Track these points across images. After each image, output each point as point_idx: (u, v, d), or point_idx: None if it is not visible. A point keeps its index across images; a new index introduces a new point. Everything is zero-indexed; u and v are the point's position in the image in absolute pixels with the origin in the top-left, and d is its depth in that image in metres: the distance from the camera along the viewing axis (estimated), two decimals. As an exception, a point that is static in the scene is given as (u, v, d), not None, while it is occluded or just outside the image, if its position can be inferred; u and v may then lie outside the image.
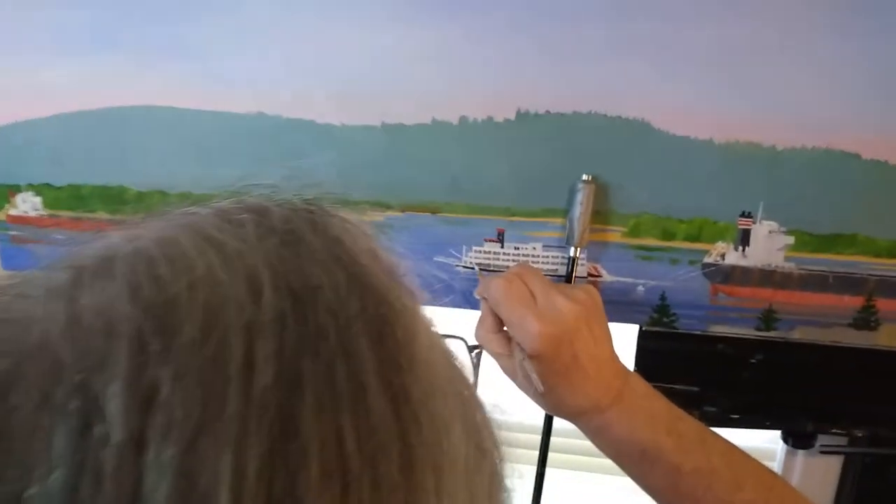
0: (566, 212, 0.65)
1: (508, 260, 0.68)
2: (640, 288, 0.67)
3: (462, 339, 0.39)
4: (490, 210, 0.66)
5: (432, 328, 0.23)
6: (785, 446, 0.76)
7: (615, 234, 0.66)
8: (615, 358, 0.54)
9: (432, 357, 0.22)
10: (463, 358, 0.36)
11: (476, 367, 0.38)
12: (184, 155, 0.67)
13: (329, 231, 0.22)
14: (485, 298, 0.54)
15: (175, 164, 0.67)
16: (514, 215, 0.66)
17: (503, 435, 0.26)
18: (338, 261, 0.21)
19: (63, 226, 0.74)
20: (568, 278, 0.65)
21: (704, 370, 0.70)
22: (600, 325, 0.53)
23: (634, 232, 0.66)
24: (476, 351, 0.38)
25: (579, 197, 0.64)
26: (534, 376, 0.50)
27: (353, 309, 0.20)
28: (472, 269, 0.68)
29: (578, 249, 0.65)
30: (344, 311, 0.20)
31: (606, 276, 0.67)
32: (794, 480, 0.80)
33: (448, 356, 0.24)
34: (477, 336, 0.54)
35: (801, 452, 0.76)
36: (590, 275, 0.68)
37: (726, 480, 0.50)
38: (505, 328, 0.53)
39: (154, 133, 0.67)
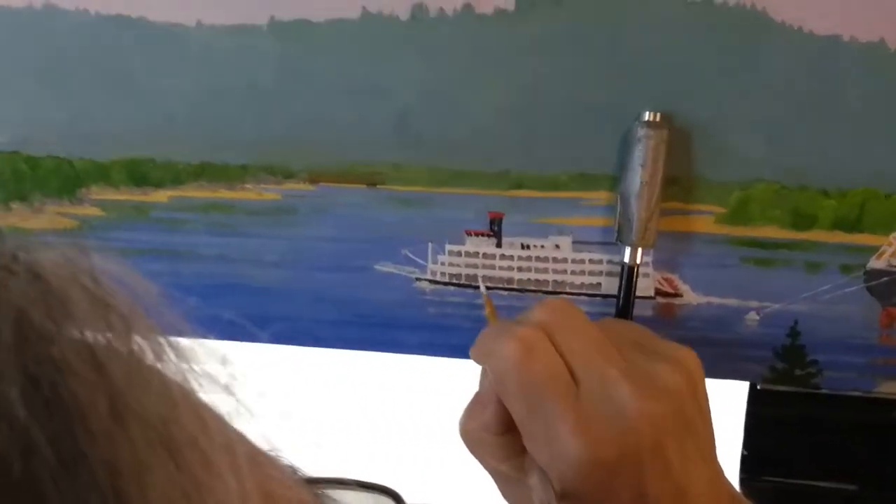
0: (615, 181, 0.39)
1: (511, 269, 0.41)
2: (753, 315, 0.41)
3: (393, 493, 0.27)
4: (475, 179, 0.39)
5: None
6: None
7: (705, 221, 0.40)
8: (717, 477, 0.33)
9: None
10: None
11: None
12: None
13: None
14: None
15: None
16: (519, 187, 0.39)
17: None
18: None
19: None
20: (623, 304, 0.38)
21: (867, 457, 0.44)
22: (694, 430, 0.32)
23: (740, 215, 0.40)
24: None
25: (639, 153, 0.37)
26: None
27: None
28: (450, 285, 0.41)
29: (640, 249, 0.38)
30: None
31: (691, 296, 0.41)
32: None
33: None
34: (463, 430, 0.34)
35: None
36: (660, 293, 0.41)
37: None
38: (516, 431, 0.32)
39: None
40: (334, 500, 0.22)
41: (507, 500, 0.34)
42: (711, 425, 0.34)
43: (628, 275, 0.38)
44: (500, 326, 0.34)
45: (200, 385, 0.17)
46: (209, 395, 0.17)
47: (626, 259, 0.38)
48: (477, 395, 0.34)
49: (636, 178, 0.37)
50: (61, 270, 0.16)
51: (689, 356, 0.33)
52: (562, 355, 0.32)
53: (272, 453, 0.19)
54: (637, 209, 0.37)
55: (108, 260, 0.17)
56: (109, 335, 0.15)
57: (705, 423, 0.33)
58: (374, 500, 0.27)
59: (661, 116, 0.37)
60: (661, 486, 0.31)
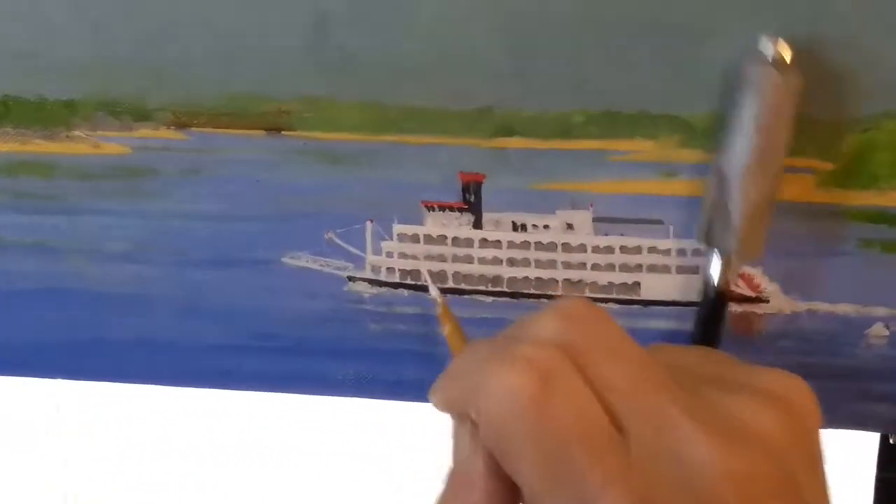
0: (666, 122, 0.26)
1: (497, 261, 0.28)
2: (880, 329, 0.28)
3: None
4: (437, 120, 0.26)
5: None
6: None
7: (803, 183, 0.27)
8: None
9: None
10: None
11: None
12: None
13: None
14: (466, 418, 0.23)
15: None
16: (508, 134, 0.26)
17: None
18: None
19: None
20: (709, 317, 0.26)
21: None
22: (800, 497, 0.22)
23: (856, 174, 0.27)
24: None
25: (752, 107, 0.24)
26: None
27: None
28: (401, 287, 0.28)
29: (740, 261, 0.26)
30: None
31: (781, 301, 0.28)
32: None
33: None
34: None
35: None
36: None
37: None
38: None
39: None
40: None
41: None
42: (827, 492, 0.25)
43: (715, 298, 0.25)
44: (487, 347, 0.23)
45: None
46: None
47: (716, 274, 0.25)
48: (453, 473, 0.23)
49: (746, 144, 0.24)
50: None
51: (792, 384, 0.24)
52: (594, 389, 0.22)
53: None
54: (744, 197, 0.24)
55: None
56: None
57: (818, 489, 0.24)
58: None
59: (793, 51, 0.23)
60: None
